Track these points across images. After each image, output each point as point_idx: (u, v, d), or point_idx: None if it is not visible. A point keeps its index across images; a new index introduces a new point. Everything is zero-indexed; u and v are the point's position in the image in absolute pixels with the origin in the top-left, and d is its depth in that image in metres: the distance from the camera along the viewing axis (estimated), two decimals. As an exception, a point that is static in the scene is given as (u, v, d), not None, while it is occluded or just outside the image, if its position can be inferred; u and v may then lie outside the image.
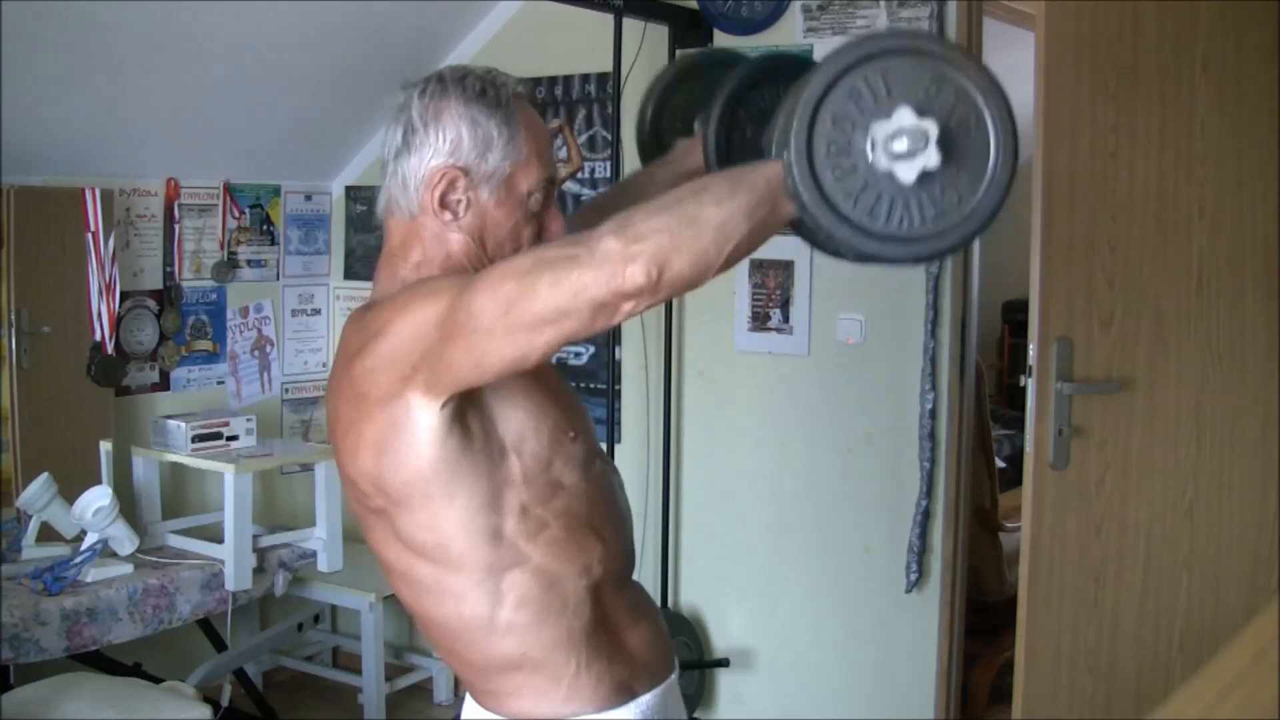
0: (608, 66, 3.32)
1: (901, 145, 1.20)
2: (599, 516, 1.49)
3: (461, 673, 1.52)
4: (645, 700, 1.48)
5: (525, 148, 1.43)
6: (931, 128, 1.19)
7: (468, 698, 1.52)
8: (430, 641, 1.57)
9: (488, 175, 1.41)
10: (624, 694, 1.46)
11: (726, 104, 1.62)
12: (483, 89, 1.42)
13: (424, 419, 1.33)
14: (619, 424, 3.50)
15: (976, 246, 3.09)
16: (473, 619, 1.42)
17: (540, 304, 1.22)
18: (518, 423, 1.41)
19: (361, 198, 4.11)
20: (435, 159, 1.40)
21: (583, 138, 3.62)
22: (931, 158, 1.19)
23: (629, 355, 3.57)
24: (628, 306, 1.22)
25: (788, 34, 3.29)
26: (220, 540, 3.32)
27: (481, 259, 1.43)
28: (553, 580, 1.42)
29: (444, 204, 1.41)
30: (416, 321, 1.30)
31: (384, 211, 1.46)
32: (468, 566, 1.40)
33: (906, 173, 1.20)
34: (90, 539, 3.08)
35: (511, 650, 1.42)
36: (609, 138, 3.39)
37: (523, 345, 1.25)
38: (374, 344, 1.33)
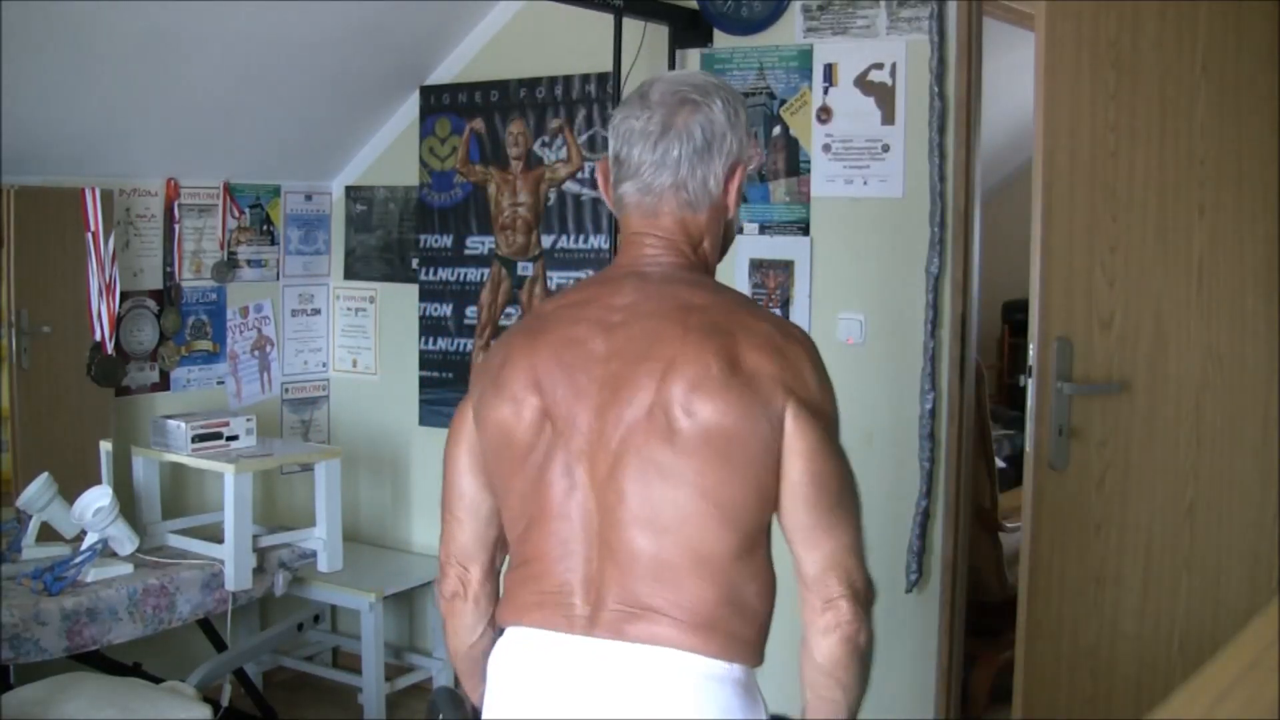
0: (608, 66, 3.32)
1: None
2: None
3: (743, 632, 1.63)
4: None
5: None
6: None
7: (705, 675, 1.57)
8: (719, 617, 1.60)
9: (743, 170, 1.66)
10: None
11: None
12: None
13: None
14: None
15: (976, 246, 3.08)
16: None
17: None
18: None
19: (361, 198, 4.10)
20: (731, 158, 1.61)
21: (583, 138, 3.62)
22: None
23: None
24: None
25: (787, 34, 3.28)
26: (220, 540, 3.32)
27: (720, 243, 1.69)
28: None
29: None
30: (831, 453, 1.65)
31: (653, 203, 1.61)
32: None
33: None
34: (90, 539, 3.08)
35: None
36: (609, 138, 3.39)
37: None
38: (819, 400, 1.65)
